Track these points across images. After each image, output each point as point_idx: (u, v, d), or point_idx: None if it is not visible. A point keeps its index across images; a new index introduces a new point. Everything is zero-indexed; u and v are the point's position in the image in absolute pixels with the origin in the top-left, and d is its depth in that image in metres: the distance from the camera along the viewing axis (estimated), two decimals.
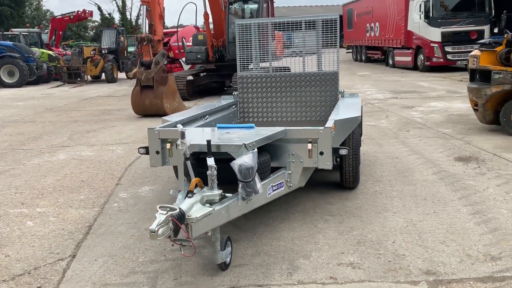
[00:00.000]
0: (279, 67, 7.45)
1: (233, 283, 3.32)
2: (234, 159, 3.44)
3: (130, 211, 4.88)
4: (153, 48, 11.02)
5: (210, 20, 14.71)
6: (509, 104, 7.61)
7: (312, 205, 4.78)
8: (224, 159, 3.59)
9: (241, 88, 6.92)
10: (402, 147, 7.16)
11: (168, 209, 2.84)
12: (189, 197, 3.18)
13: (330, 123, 4.23)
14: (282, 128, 4.13)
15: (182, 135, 3.36)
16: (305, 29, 6.84)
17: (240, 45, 6.93)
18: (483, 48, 7.97)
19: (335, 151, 4.14)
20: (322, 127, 4.10)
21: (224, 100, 6.88)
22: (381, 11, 24.84)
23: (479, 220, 4.22)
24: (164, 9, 11.53)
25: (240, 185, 3.40)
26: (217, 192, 3.32)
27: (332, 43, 6.66)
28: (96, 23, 61.55)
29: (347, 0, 33.23)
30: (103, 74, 23.54)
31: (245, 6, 14.70)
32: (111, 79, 22.96)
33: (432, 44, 19.84)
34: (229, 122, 6.36)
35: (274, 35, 7.30)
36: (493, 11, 19.78)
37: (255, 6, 14.44)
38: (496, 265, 3.41)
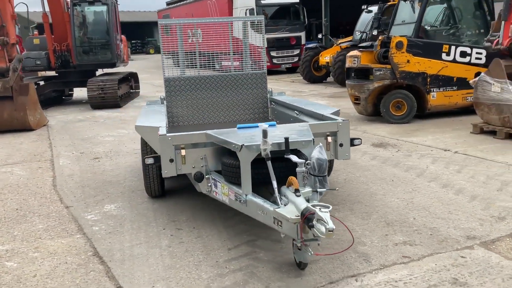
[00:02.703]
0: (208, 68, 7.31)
1: (328, 279, 3.30)
2: (280, 157, 3.37)
3: (123, 232, 4.31)
4: (8, 53, 9.53)
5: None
6: (388, 96, 8.84)
7: None
8: (274, 158, 3.52)
9: (168, 92, 6.59)
10: None
11: (319, 207, 2.72)
12: (298, 196, 3.07)
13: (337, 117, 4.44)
14: (306, 124, 4.19)
15: (265, 134, 3.20)
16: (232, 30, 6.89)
17: (164, 46, 6.61)
18: (362, 49, 9.08)
19: (350, 142, 4.37)
20: (341, 120, 4.29)
21: (149, 106, 6.47)
22: (203, 17, 25.54)
23: (454, 191, 4.95)
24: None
25: (317, 180, 3.39)
26: (309, 189, 3.25)
27: (260, 44, 6.86)
28: None
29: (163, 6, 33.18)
30: None
31: (92, 8, 13.65)
32: None
33: (259, 49, 21.26)
34: None
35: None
36: (306, 19, 22.20)
37: (103, 7, 13.52)
38: (508, 223, 4.11)
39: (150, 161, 4.15)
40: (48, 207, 5.06)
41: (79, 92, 16.08)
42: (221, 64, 7.16)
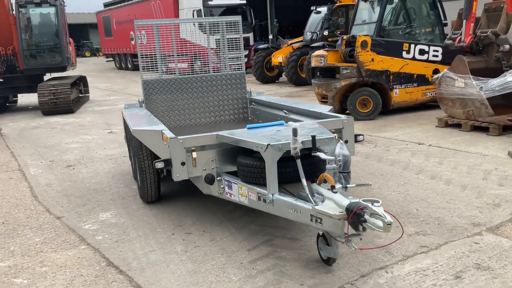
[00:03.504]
0: (186, 69, 7.19)
1: (359, 273, 3.35)
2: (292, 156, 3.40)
3: (131, 240, 4.15)
4: None
5: None
6: (354, 94, 9.09)
7: None
8: (291, 157, 3.54)
9: (146, 94, 6.43)
10: None
11: (369, 202, 2.75)
12: (335, 192, 3.09)
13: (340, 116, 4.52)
14: (314, 121, 4.23)
15: (295, 132, 3.20)
16: (209, 30, 6.83)
17: (141, 48, 6.45)
18: (327, 49, 9.28)
19: (354, 138, 4.47)
20: (345, 117, 4.37)
21: (129, 109, 6.28)
22: (146, 19, 25.01)
23: (444, 182, 5.18)
24: None
25: (342, 177, 3.44)
26: (339, 185, 3.28)
27: (237, 45, 6.85)
28: None
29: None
30: None
31: (39, 9, 12.99)
32: None
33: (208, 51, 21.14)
34: None
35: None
36: (253, 20, 22.34)
37: (51, 9, 12.92)
38: (504, 209, 4.36)
39: (160, 165, 4.02)
40: (37, 219, 4.78)
41: (23, 98, 15.31)
42: (199, 64, 7.04)
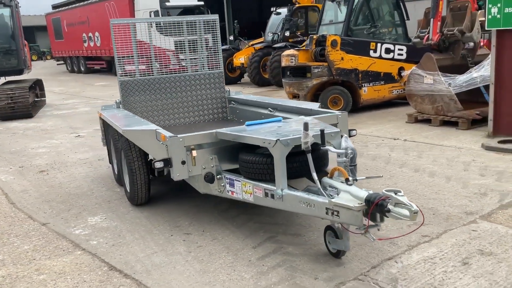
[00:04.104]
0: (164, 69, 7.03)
1: (369, 264, 3.39)
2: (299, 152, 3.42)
3: (128, 243, 4.02)
4: None
5: None
6: (325, 92, 9.21)
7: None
8: (296, 152, 3.55)
9: (124, 95, 6.27)
10: None
11: (392, 192, 2.77)
12: (350, 185, 3.10)
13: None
14: (310, 117, 4.24)
15: (306, 126, 3.19)
16: (187, 30, 6.75)
17: (117, 48, 6.28)
18: (298, 48, 9.36)
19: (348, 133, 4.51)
20: (340, 112, 4.42)
21: (108, 110, 6.10)
22: (100, 20, 24.35)
23: (428, 175, 5.33)
24: None
25: (349, 170, 3.46)
26: (352, 178, 3.30)
27: (215, 43, 6.79)
28: None
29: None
30: None
31: None
32: None
33: (167, 52, 20.86)
34: None
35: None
36: None
37: (5, 10, 12.35)
38: (491, 198, 4.53)
39: (159, 165, 3.91)
40: (21, 226, 4.54)
41: None
42: (157, 65, 6.88)
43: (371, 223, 2.94)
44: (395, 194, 2.73)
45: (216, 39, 6.80)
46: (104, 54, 24.91)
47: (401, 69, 9.69)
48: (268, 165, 3.54)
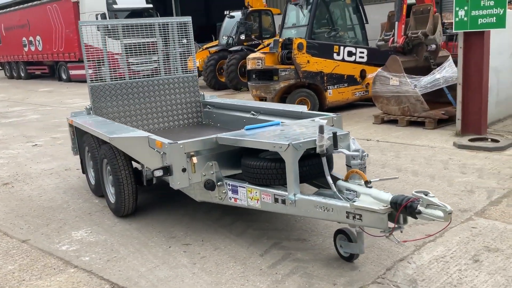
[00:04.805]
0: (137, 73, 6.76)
1: (384, 267, 3.36)
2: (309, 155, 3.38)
3: (125, 257, 3.78)
4: None
5: None
6: (292, 95, 9.22)
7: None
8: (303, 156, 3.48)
9: (95, 101, 5.96)
10: None
11: (421, 193, 2.73)
12: (370, 187, 3.05)
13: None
14: (311, 119, 4.18)
15: (321, 129, 3.12)
16: (159, 32, 6.54)
17: (86, 51, 5.98)
18: (264, 52, 9.31)
19: None
20: (334, 115, 4.38)
21: (79, 117, 5.78)
22: (42, 24, 23.28)
23: (411, 174, 5.41)
24: None
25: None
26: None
27: (188, 46, 6.63)
28: None
29: None
30: None
31: None
32: None
33: (116, 56, 20.23)
34: None
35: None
36: None
37: None
38: (479, 195, 4.66)
39: (158, 173, 3.70)
40: (7, 244, 4.17)
41: None
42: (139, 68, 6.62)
43: (396, 225, 2.90)
44: (425, 195, 2.71)
45: (189, 42, 6.63)
46: (46, 59, 23.82)
47: (363, 71, 9.89)
48: (278, 169, 3.44)
